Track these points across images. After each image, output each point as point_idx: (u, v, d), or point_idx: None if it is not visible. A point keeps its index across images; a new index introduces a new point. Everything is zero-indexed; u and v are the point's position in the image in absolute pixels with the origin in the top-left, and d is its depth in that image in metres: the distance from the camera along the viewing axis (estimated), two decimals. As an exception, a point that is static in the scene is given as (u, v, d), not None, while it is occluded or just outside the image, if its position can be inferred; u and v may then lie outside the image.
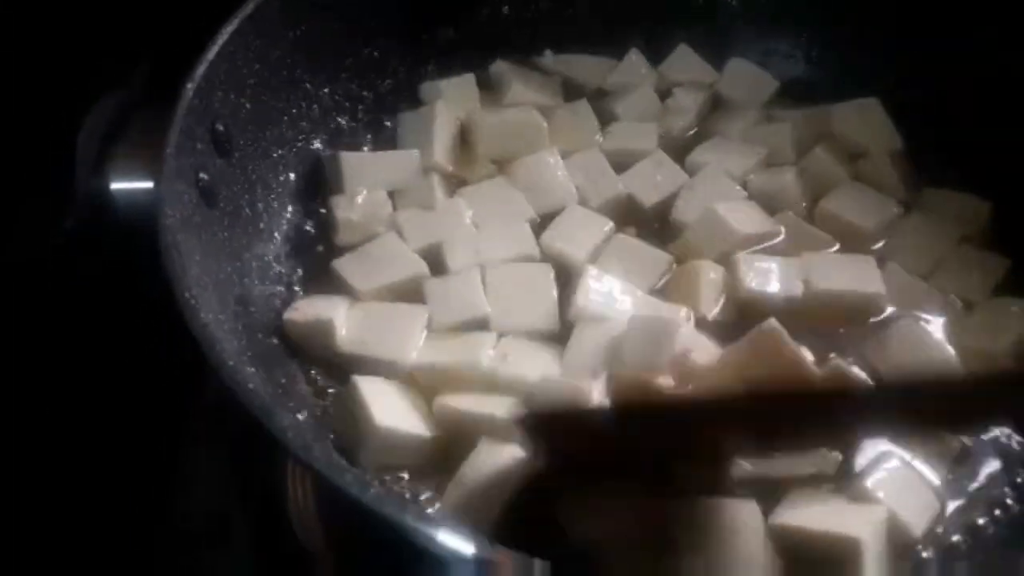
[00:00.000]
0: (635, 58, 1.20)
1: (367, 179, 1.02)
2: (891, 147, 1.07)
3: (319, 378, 0.89)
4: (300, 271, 0.99)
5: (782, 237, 0.99)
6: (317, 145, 1.09)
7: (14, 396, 0.91)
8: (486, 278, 0.93)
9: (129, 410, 0.94)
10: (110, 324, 0.91)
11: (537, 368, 0.85)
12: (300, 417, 0.80)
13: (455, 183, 1.06)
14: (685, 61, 1.20)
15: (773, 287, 0.93)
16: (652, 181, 1.05)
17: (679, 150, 1.09)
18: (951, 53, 1.05)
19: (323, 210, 1.03)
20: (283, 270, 0.99)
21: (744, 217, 0.98)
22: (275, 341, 0.90)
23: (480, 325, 0.90)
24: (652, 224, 1.03)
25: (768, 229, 0.99)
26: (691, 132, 1.13)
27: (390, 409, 0.80)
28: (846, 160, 1.07)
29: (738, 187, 1.04)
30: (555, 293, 0.92)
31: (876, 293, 0.92)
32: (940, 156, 1.05)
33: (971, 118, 1.03)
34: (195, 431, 0.97)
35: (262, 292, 0.93)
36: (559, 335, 0.90)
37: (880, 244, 1.00)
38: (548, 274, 0.93)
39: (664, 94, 1.16)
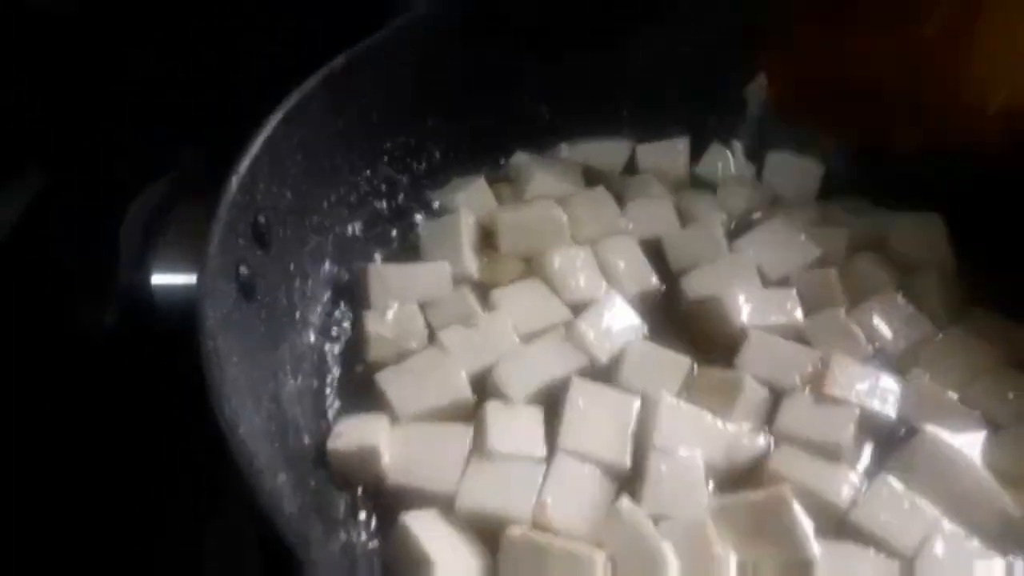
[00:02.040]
0: (680, 147, 1.19)
1: (397, 292, 1.00)
2: (943, 267, 1.04)
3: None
4: (334, 367, 0.98)
5: (803, 330, 0.98)
6: (354, 229, 1.08)
7: (48, 491, 0.90)
8: (569, 392, 0.89)
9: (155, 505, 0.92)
10: (145, 422, 0.90)
11: (583, 525, 0.81)
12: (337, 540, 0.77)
13: (486, 287, 1.04)
14: (720, 158, 1.19)
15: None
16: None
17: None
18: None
19: (347, 322, 1.02)
20: (316, 359, 0.97)
21: (752, 307, 0.98)
22: (307, 441, 0.87)
23: (535, 462, 0.85)
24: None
25: (781, 322, 0.98)
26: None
27: (450, 554, 0.77)
28: (895, 271, 1.04)
29: (757, 277, 1.02)
30: (633, 428, 0.88)
31: (888, 416, 0.90)
32: (994, 279, 1.02)
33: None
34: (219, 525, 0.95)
35: (295, 387, 0.91)
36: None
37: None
38: (632, 407, 0.90)
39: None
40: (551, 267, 1.03)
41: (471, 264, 1.05)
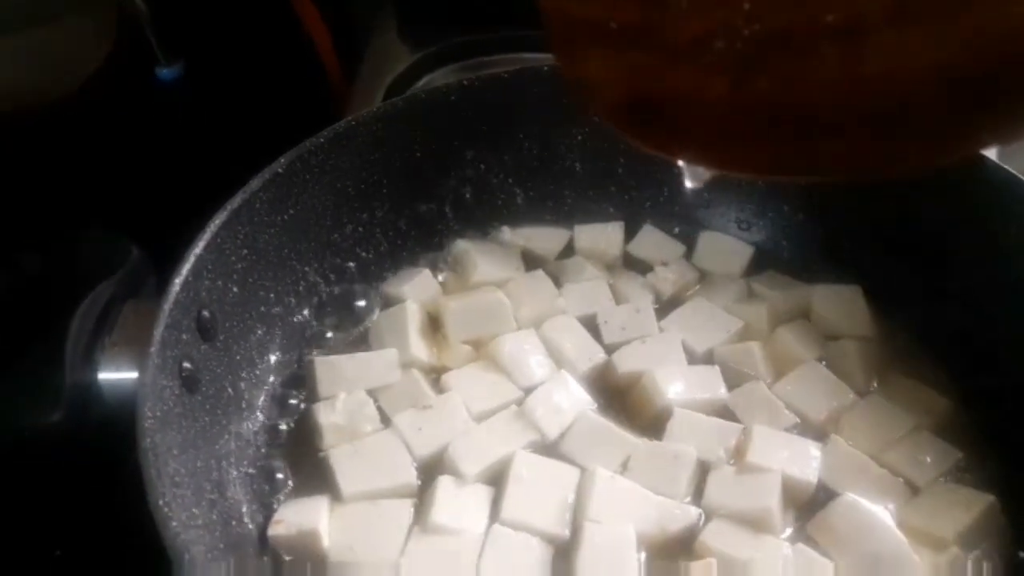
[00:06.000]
0: (615, 230, 1.24)
1: (346, 382, 1.04)
2: (863, 334, 1.09)
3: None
4: (282, 451, 1.00)
5: (726, 404, 1.02)
6: (302, 317, 1.12)
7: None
8: (512, 465, 0.94)
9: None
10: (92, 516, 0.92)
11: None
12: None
13: (435, 373, 1.08)
14: (652, 239, 1.24)
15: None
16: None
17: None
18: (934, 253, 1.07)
19: (295, 400, 1.05)
20: (264, 445, 1.00)
21: (677, 384, 1.02)
22: (251, 527, 0.90)
23: (476, 536, 0.90)
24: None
25: (705, 397, 1.02)
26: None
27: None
28: (816, 342, 1.09)
29: (684, 355, 1.07)
30: (572, 499, 0.93)
31: (808, 482, 0.94)
32: (911, 346, 1.08)
33: (952, 313, 1.05)
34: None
35: (240, 474, 0.94)
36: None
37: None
38: (571, 479, 0.94)
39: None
40: (502, 353, 1.07)
41: (419, 351, 1.08)
